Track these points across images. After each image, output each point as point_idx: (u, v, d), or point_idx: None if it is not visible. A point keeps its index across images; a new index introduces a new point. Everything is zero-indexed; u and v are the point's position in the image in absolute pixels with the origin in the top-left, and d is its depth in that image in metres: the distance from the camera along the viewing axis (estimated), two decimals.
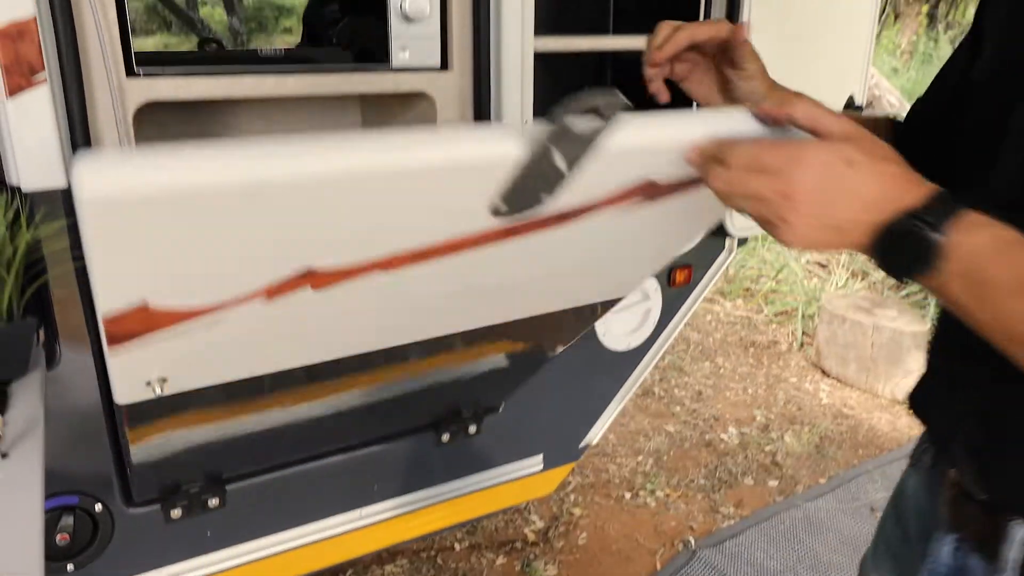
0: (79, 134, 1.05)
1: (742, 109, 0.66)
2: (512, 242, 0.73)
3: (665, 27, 0.82)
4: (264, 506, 1.37)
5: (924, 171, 0.61)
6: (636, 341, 1.70)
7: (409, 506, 1.52)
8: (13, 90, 0.98)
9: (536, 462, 1.66)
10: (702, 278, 1.74)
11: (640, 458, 2.79)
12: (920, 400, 0.85)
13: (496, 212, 0.68)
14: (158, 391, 0.79)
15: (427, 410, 1.44)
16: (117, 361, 0.72)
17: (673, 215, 0.76)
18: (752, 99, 0.83)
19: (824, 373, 3.51)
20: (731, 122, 0.65)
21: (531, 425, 1.63)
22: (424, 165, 0.62)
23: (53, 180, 1.04)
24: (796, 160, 0.58)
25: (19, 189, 1.02)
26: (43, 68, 0.99)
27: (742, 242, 1.77)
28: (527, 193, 0.67)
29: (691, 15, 1.54)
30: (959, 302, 0.58)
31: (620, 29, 1.79)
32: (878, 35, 10.34)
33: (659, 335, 1.73)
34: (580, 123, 0.62)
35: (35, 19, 0.98)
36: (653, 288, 1.68)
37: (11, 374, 0.91)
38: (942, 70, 0.87)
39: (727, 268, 1.80)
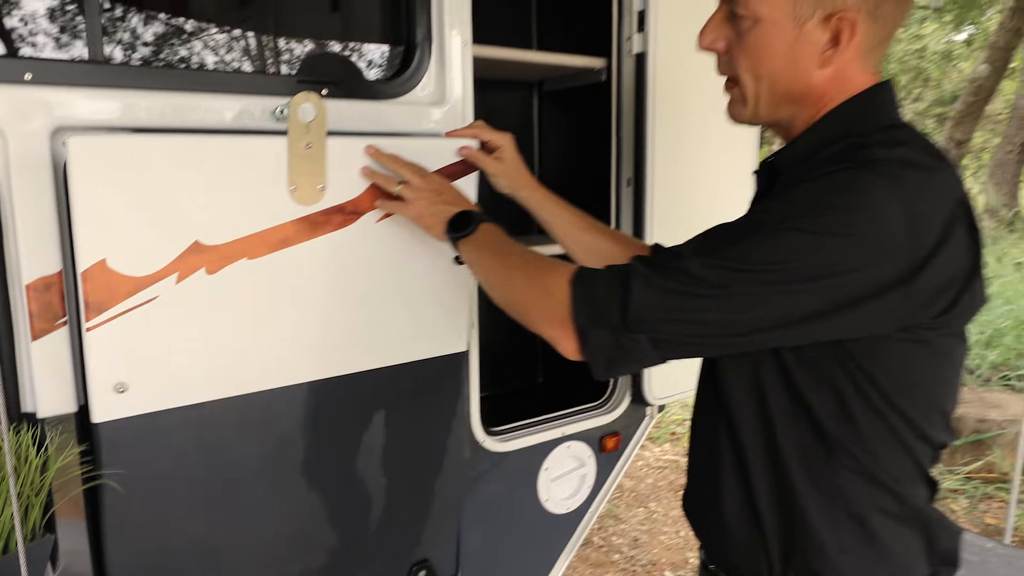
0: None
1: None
2: (322, 239, 1.29)
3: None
4: None
5: None
6: (575, 504, 1.88)
7: None
8: (38, 334, 1.15)
9: None
10: (629, 443, 1.96)
11: None
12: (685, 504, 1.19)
13: (292, 189, 1.25)
14: (122, 399, 1.14)
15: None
16: (93, 344, 1.11)
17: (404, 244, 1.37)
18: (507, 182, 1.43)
19: None
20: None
21: None
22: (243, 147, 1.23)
23: (65, 407, 1.18)
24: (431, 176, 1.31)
25: (34, 415, 1.16)
26: (65, 314, 1.17)
27: (661, 408, 2.01)
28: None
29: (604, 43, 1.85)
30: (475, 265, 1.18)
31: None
32: None
33: (595, 496, 1.92)
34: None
35: (61, 272, 1.16)
36: (587, 455, 1.88)
37: None
38: None
39: (658, 425, 2.02)
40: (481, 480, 1.69)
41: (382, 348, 1.42)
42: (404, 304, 1.43)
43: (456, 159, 1.43)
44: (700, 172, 1.91)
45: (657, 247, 1.07)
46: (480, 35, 1.55)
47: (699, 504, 1.12)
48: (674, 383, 1.95)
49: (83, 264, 1.11)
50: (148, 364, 1.18)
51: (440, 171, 1.40)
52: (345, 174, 1.31)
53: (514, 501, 1.78)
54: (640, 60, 1.78)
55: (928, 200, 0.84)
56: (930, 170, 0.86)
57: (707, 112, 1.88)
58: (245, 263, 1.23)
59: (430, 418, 1.53)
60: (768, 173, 1.02)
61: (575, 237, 1.37)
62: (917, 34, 12.13)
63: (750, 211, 0.97)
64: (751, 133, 2.02)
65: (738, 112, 1.03)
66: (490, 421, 1.70)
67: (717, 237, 0.92)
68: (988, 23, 10.94)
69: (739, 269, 0.85)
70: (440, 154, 1.41)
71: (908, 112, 13.04)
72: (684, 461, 4.45)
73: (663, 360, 0.94)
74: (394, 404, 1.46)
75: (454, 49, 1.52)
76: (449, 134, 1.45)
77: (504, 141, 1.43)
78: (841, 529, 0.94)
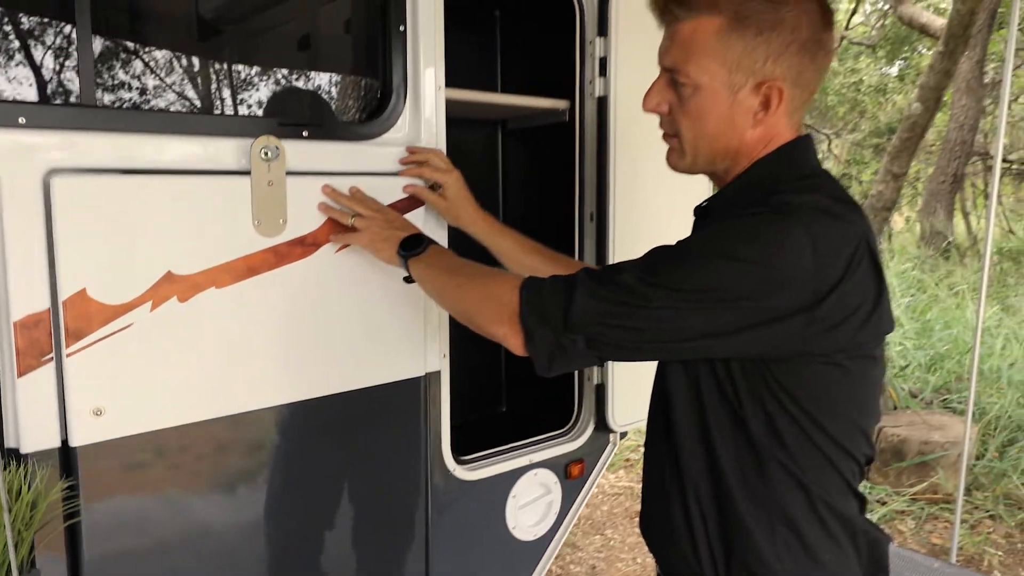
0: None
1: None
2: (284, 269, 1.36)
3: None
4: None
5: None
6: (542, 530, 1.94)
7: None
8: (24, 371, 1.17)
9: None
10: (593, 469, 2.03)
11: None
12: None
13: (256, 223, 1.34)
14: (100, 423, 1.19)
15: None
16: (72, 370, 1.16)
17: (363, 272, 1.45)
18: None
19: None
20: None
21: None
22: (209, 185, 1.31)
23: (49, 442, 1.20)
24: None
25: (17, 451, 1.18)
26: (51, 350, 1.19)
27: (623, 435, 2.08)
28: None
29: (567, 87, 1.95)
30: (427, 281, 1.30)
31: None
32: None
33: (562, 523, 1.98)
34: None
35: (49, 310, 1.18)
36: (553, 482, 1.94)
37: None
38: None
39: (611, 458, 2.10)
40: (451, 508, 1.73)
41: (345, 371, 1.51)
42: (364, 329, 1.53)
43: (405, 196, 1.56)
44: (657, 208, 2.01)
45: (606, 265, 1.20)
46: (447, 77, 1.63)
47: (652, 521, 1.21)
48: (635, 410, 2.02)
49: (65, 293, 1.17)
50: (123, 389, 1.25)
51: (391, 205, 1.52)
52: (303, 209, 1.42)
53: (483, 529, 1.83)
54: (602, 103, 1.88)
55: (833, 240, 0.96)
56: (836, 215, 0.99)
57: (663, 152, 1.99)
58: (214, 292, 1.32)
59: (393, 443, 1.60)
60: (702, 214, 1.16)
61: (519, 260, 1.52)
62: (853, 68, 12.68)
63: (685, 239, 1.08)
64: None
65: (676, 162, 1.15)
66: (458, 450, 1.75)
67: (653, 257, 1.04)
68: (919, 59, 11.53)
69: (665, 286, 0.98)
70: (391, 190, 1.53)
71: (846, 142, 13.58)
72: (639, 488, 4.54)
73: (599, 361, 1.09)
74: (356, 427, 1.54)
75: (428, 92, 1.59)
76: (400, 173, 1.55)
77: (447, 179, 1.54)
78: (777, 539, 1.04)
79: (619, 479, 4.57)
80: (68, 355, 1.18)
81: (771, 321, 0.95)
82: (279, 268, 1.39)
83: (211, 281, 1.32)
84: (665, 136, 1.16)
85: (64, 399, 1.20)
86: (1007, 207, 12.40)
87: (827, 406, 1.02)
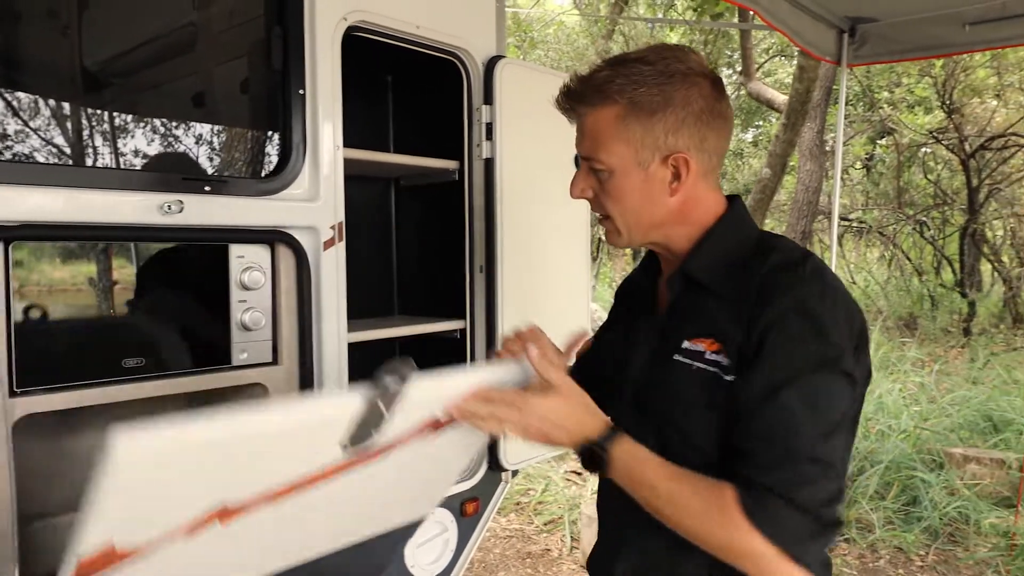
0: None
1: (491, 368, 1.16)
2: (355, 471, 1.08)
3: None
4: None
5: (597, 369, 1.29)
6: (439, 568, 2.01)
7: None
8: None
9: None
10: (487, 507, 2.13)
11: None
12: (593, 563, 1.34)
13: (344, 447, 1.04)
14: None
15: None
16: None
17: (451, 442, 1.17)
18: None
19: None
20: (482, 375, 1.12)
21: None
22: (310, 419, 1.00)
23: None
24: (528, 404, 1.08)
25: None
26: None
27: (515, 473, 2.20)
28: (363, 432, 1.04)
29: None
30: (626, 487, 1.09)
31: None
32: (597, 273, 12.27)
33: (458, 559, 2.06)
34: (392, 381, 1.02)
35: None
36: (449, 520, 2.02)
37: None
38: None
39: (504, 495, 2.20)
40: (349, 548, 1.78)
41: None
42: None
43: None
44: (540, 258, 2.18)
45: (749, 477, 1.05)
46: (344, 137, 1.74)
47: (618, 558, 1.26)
48: (526, 450, 2.15)
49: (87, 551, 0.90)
50: None
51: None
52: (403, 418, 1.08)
53: (382, 568, 1.88)
54: (489, 163, 2.04)
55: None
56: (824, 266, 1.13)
57: (546, 207, 2.18)
58: (265, 507, 1.05)
59: None
60: (682, 280, 1.19)
61: None
62: None
63: (771, 394, 1.05)
64: (583, 226, 2.34)
65: (615, 240, 1.22)
66: None
67: (783, 438, 1.03)
68: (770, 127, 12.66)
69: (829, 441, 1.03)
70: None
71: None
72: (529, 529, 4.66)
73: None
74: None
75: (327, 151, 1.70)
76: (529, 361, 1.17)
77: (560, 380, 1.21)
78: None
79: (510, 522, 4.66)
80: None
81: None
82: (341, 474, 1.09)
83: (267, 502, 1.04)
84: (600, 220, 1.23)
85: None
86: (849, 261, 13.63)
87: None
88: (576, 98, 1.16)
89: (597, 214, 1.23)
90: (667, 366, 1.16)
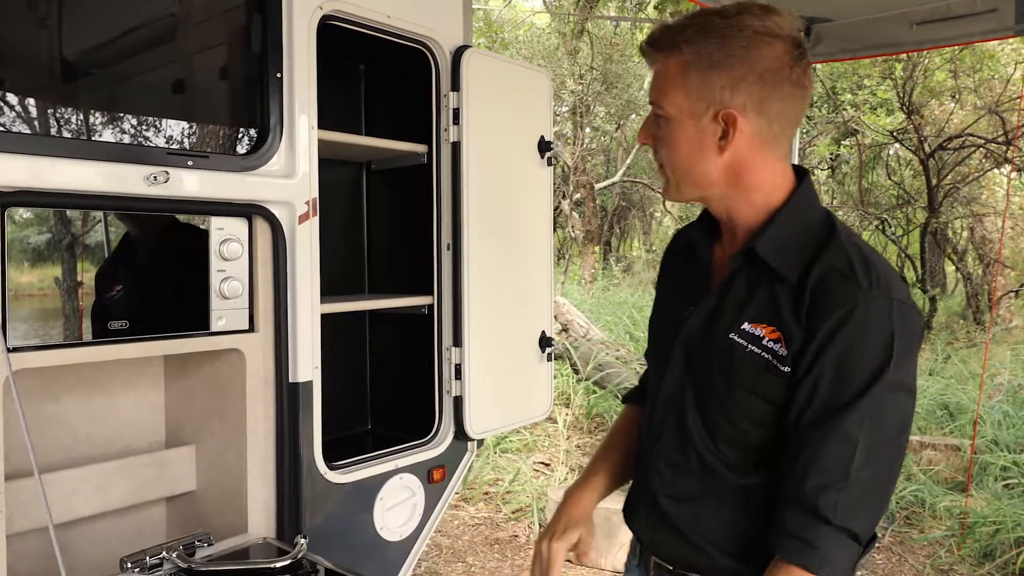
0: None
1: None
2: None
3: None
4: None
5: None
6: (407, 531, 2.11)
7: None
8: None
9: None
10: (454, 474, 2.24)
11: None
12: (627, 510, 1.41)
13: None
14: None
15: None
16: None
17: None
18: None
19: None
20: None
21: None
22: None
23: None
24: None
25: None
26: None
27: (480, 442, 2.31)
28: None
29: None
30: None
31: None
32: (565, 270, 12.40)
33: (425, 524, 2.16)
34: None
35: None
36: (417, 486, 2.13)
37: None
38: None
39: (471, 465, 2.31)
40: (324, 509, 1.88)
41: None
42: None
43: None
44: (505, 239, 2.30)
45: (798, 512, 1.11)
46: (318, 121, 1.84)
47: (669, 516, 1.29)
48: (490, 420, 2.26)
49: None
50: None
51: None
52: None
53: (353, 529, 1.98)
54: (456, 147, 2.15)
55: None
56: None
57: (510, 189, 2.30)
58: None
59: None
60: (747, 257, 1.19)
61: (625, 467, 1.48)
62: None
63: (829, 412, 1.09)
64: (546, 207, 2.46)
65: (665, 192, 1.24)
66: (331, 458, 1.91)
67: (841, 462, 1.06)
68: None
69: (884, 456, 1.08)
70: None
71: None
72: (498, 517, 4.76)
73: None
74: None
75: (302, 131, 1.80)
76: None
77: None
78: None
79: (479, 511, 4.76)
80: None
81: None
82: None
83: None
84: (658, 169, 1.25)
85: None
86: None
87: None
88: (652, 44, 1.18)
89: (657, 162, 1.25)
90: (723, 341, 1.18)
